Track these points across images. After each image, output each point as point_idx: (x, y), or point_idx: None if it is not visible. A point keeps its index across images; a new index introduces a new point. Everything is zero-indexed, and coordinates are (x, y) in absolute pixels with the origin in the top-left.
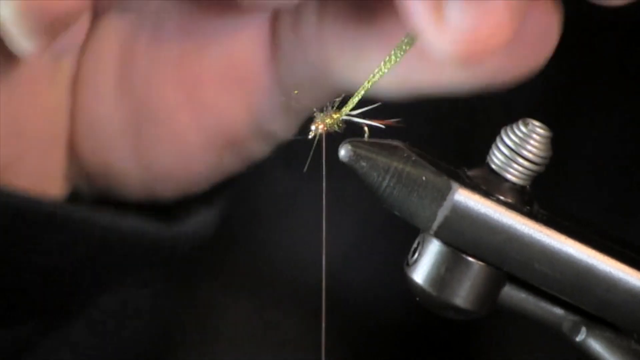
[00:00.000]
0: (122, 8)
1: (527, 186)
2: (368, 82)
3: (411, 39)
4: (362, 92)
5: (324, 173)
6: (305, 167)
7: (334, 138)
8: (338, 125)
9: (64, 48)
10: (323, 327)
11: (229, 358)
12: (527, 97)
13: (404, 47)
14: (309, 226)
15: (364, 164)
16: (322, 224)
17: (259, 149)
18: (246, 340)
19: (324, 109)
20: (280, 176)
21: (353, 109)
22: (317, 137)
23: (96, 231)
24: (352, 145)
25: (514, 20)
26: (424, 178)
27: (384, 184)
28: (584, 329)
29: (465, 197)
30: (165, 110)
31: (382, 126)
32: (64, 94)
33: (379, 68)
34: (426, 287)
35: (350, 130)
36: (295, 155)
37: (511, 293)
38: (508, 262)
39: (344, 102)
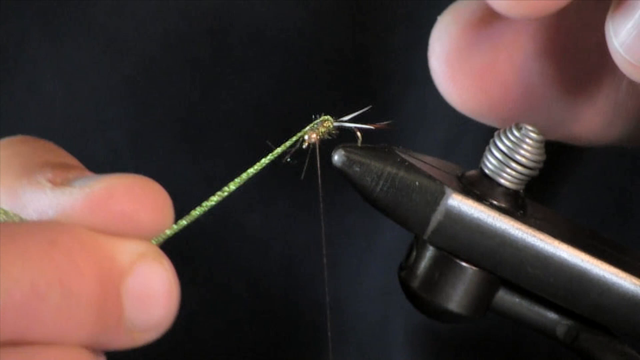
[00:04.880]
0: None
1: (521, 190)
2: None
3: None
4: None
5: (319, 181)
6: (302, 176)
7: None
8: (330, 133)
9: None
10: (329, 335)
11: None
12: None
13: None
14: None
15: (357, 169)
16: (321, 233)
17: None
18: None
19: (316, 117)
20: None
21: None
22: (311, 146)
23: None
24: (345, 151)
25: None
26: (417, 183)
27: (378, 189)
28: (577, 333)
29: (458, 202)
30: None
31: (373, 128)
32: None
33: None
34: (420, 291)
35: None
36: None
37: (505, 297)
38: (501, 266)
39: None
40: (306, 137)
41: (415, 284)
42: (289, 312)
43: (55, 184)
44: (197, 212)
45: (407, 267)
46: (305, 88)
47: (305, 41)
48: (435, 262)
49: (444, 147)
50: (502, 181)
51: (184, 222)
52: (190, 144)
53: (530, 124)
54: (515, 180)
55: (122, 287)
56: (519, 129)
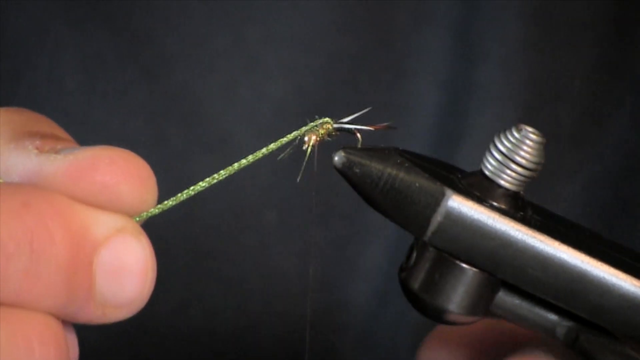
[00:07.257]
0: None
1: (521, 192)
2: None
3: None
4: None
5: (315, 184)
6: (299, 178)
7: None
8: (330, 135)
9: None
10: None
11: None
12: (520, 102)
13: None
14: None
15: (357, 170)
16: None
17: None
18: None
19: (315, 119)
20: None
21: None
22: (310, 148)
23: None
24: (346, 152)
25: None
26: (417, 184)
27: (377, 190)
28: (577, 334)
29: (458, 203)
30: None
31: (373, 129)
32: None
33: None
34: (420, 293)
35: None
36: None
37: (505, 299)
38: (502, 268)
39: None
40: (306, 138)
41: (416, 285)
42: (304, 310)
43: (41, 151)
44: (183, 195)
45: (407, 269)
46: (326, 86)
47: (326, 41)
48: (436, 264)
49: (444, 148)
50: (502, 182)
51: (170, 202)
52: (209, 136)
53: (529, 126)
54: (515, 182)
55: (95, 258)
56: (518, 130)
